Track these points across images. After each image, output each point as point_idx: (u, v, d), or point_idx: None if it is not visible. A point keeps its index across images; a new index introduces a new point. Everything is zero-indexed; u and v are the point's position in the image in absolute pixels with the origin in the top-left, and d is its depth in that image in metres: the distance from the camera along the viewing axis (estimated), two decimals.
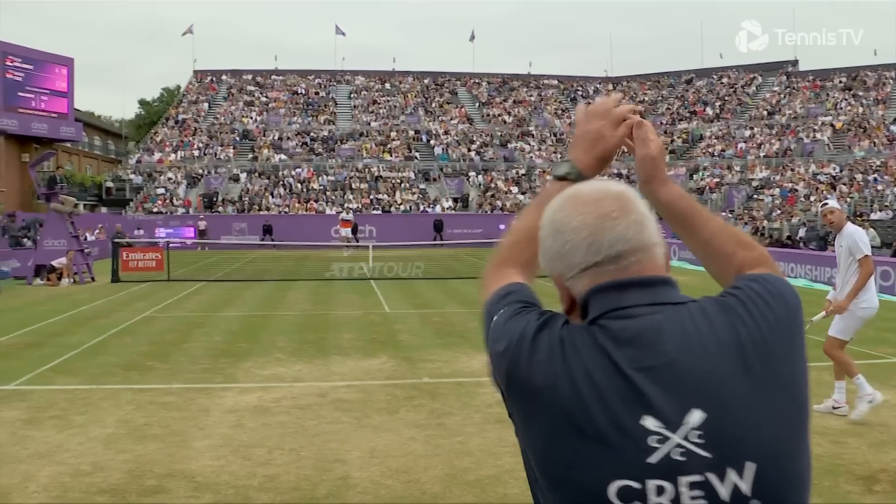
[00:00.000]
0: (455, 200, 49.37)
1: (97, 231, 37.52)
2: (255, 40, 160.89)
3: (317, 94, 65.29)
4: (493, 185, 50.97)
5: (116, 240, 27.12)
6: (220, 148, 54.58)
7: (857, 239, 7.95)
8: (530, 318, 1.44)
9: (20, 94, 44.46)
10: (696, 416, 1.26)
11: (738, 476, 1.25)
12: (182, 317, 15.67)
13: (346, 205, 42.19)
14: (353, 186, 49.87)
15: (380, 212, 46.92)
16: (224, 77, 67.05)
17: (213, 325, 14.34)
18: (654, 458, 1.25)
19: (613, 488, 1.25)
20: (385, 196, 49.03)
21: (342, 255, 32.08)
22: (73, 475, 6.22)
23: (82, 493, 5.86)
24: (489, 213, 46.97)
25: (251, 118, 59.85)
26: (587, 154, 1.65)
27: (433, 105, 64.00)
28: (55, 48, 53.19)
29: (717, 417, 1.27)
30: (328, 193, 48.90)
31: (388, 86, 66.94)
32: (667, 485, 1.24)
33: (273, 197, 48.10)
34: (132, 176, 50.96)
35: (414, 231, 40.84)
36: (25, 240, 28.61)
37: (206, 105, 62.14)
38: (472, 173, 52.87)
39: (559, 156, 56.40)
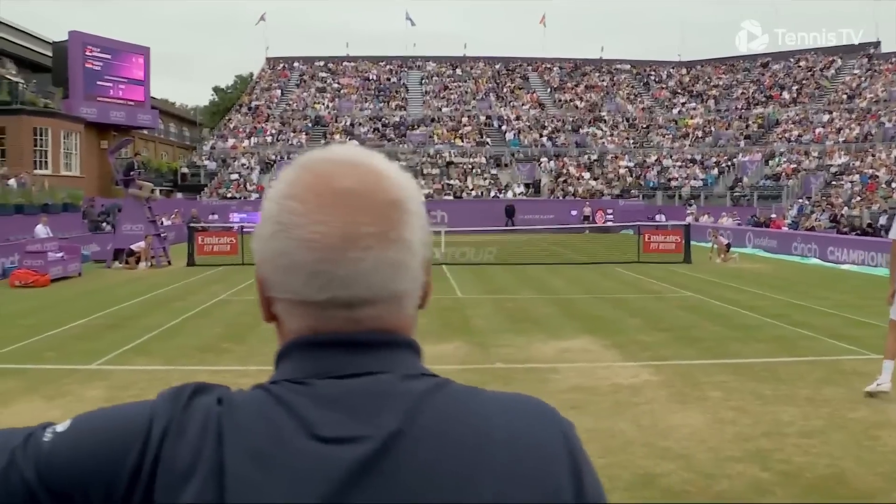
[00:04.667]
0: (527, 186, 49.12)
1: (173, 216, 38.27)
2: (327, 28, 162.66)
3: (388, 80, 65.51)
4: (564, 171, 50.56)
5: (192, 224, 27.65)
6: (292, 134, 55.24)
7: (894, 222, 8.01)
8: (169, 390, 0.96)
9: (99, 83, 45.46)
10: None
11: None
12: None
13: None
14: (425, 172, 49.98)
15: (451, 197, 46.96)
16: (296, 64, 67.70)
17: None
18: None
19: None
20: (456, 182, 49.04)
21: None
22: None
23: None
24: (561, 198, 46.66)
25: (323, 104, 60.40)
26: None
27: (504, 90, 63.67)
28: (132, 39, 54.04)
29: None
30: None
31: (459, 71, 66.82)
32: None
33: None
34: (206, 162, 52.00)
35: (485, 217, 40.62)
36: (105, 224, 29.31)
37: (278, 92, 62.87)
38: (543, 159, 52.52)
39: (631, 142, 55.61)
